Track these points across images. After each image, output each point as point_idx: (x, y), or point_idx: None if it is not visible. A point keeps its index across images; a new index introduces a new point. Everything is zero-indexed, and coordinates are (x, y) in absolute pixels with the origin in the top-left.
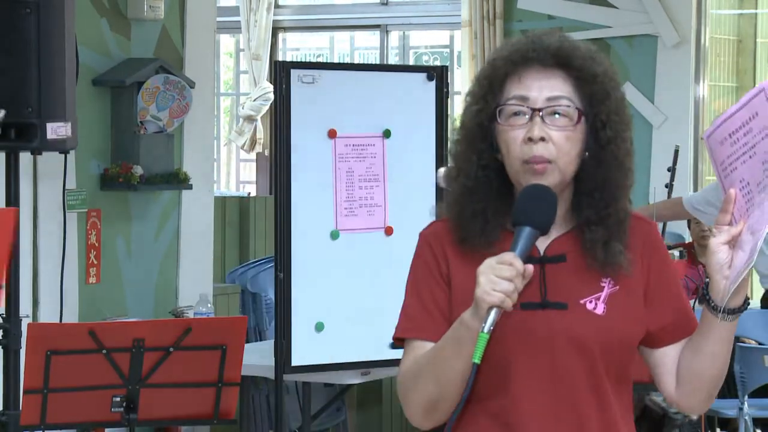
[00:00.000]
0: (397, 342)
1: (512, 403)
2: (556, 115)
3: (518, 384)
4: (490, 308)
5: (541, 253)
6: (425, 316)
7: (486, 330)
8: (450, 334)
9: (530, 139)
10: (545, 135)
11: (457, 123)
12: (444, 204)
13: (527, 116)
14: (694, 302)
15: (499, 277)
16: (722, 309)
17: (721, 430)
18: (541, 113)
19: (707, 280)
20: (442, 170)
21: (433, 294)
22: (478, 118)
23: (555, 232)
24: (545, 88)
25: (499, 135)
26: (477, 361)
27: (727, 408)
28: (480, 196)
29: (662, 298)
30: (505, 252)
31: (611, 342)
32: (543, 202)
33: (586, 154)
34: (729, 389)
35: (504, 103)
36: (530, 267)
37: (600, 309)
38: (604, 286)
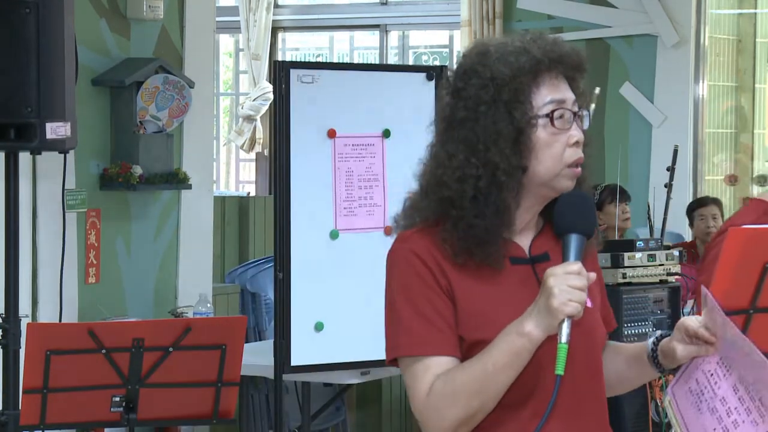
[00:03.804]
0: (394, 362)
1: (548, 402)
2: (579, 118)
3: (550, 384)
4: (564, 318)
5: (528, 253)
6: (432, 331)
7: (565, 341)
8: (504, 346)
9: (576, 143)
10: (582, 138)
11: (489, 128)
12: (455, 214)
13: (567, 120)
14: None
15: (573, 287)
16: (666, 371)
17: None
18: (578, 116)
19: (657, 339)
20: None
21: (436, 307)
22: (526, 121)
23: (532, 233)
24: (566, 90)
25: (541, 139)
26: (561, 372)
27: None
28: (516, 202)
29: (603, 290)
30: (568, 262)
31: (601, 333)
32: (587, 209)
33: None
34: None
35: (554, 107)
36: (593, 274)
37: (588, 302)
38: None
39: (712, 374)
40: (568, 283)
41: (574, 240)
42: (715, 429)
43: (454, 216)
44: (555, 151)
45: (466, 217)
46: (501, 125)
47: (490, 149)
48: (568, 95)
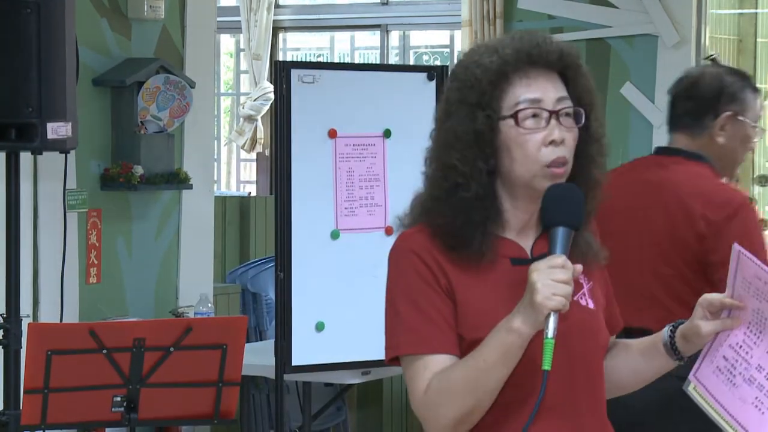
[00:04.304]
0: (394, 360)
1: (545, 402)
2: (566, 117)
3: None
4: (550, 313)
5: (530, 254)
6: (432, 329)
7: (551, 335)
8: (494, 343)
9: (553, 142)
10: (564, 137)
11: (452, 130)
12: (436, 213)
13: (543, 119)
14: None
15: (557, 281)
16: (685, 358)
17: None
18: (558, 115)
19: (673, 327)
20: None
21: (435, 305)
22: (486, 123)
23: (534, 233)
24: (550, 89)
25: (511, 140)
26: (548, 368)
27: None
28: (488, 203)
29: (608, 294)
30: (553, 255)
31: (604, 335)
32: (573, 201)
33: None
34: None
35: (523, 107)
36: (579, 266)
37: (591, 304)
38: (582, 283)
39: (741, 346)
40: (552, 277)
41: (560, 233)
42: (756, 397)
43: (434, 215)
44: (528, 151)
45: (440, 216)
46: (462, 127)
47: (450, 151)
48: (548, 94)
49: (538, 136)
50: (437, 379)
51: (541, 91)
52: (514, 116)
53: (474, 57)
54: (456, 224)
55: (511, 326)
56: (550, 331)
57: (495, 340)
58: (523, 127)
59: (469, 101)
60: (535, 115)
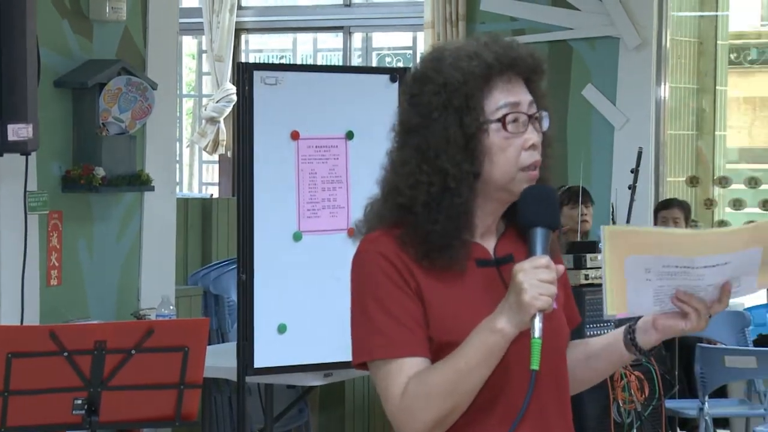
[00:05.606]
0: (361, 366)
1: (516, 404)
2: (535, 120)
3: (517, 385)
4: (536, 313)
5: (493, 255)
6: (404, 332)
7: (538, 335)
8: (476, 343)
9: (532, 146)
10: (539, 141)
11: (439, 134)
12: (410, 220)
13: (522, 123)
14: None
15: (542, 281)
16: (645, 351)
17: (680, 429)
18: (533, 119)
19: (633, 323)
20: None
21: (406, 308)
22: (477, 126)
23: (495, 235)
24: (524, 93)
25: (495, 144)
26: (536, 367)
27: (688, 408)
28: (469, 207)
29: (567, 289)
30: (536, 256)
31: (565, 334)
32: (551, 202)
33: None
34: (690, 389)
35: (506, 111)
36: (561, 267)
37: (554, 304)
38: None
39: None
40: (538, 277)
41: (539, 234)
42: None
43: (410, 222)
44: (509, 155)
45: (420, 222)
46: (451, 131)
47: (440, 156)
48: (524, 98)
49: (518, 141)
50: (414, 383)
51: (518, 95)
52: (502, 120)
53: (446, 60)
54: (442, 230)
55: (494, 327)
56: (537, 331)
57: (477, 341)
58: (508, 132)
59: (453, 105)
60: (515, 120)
